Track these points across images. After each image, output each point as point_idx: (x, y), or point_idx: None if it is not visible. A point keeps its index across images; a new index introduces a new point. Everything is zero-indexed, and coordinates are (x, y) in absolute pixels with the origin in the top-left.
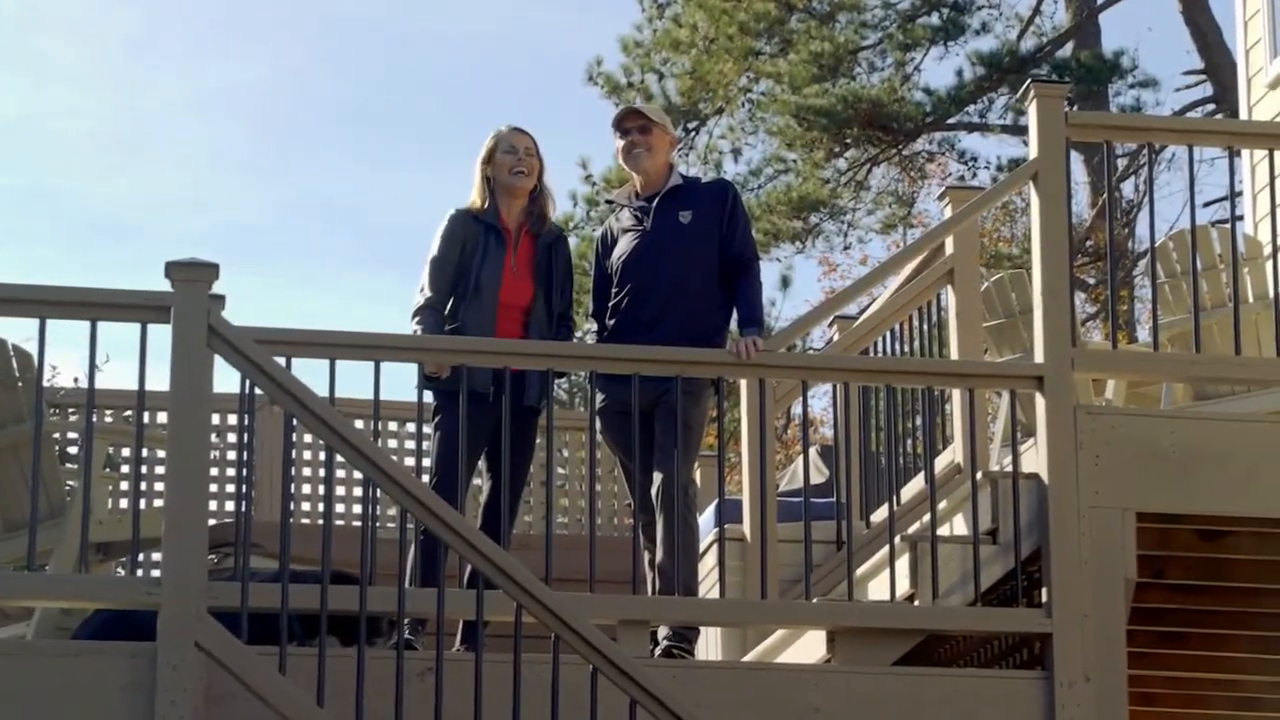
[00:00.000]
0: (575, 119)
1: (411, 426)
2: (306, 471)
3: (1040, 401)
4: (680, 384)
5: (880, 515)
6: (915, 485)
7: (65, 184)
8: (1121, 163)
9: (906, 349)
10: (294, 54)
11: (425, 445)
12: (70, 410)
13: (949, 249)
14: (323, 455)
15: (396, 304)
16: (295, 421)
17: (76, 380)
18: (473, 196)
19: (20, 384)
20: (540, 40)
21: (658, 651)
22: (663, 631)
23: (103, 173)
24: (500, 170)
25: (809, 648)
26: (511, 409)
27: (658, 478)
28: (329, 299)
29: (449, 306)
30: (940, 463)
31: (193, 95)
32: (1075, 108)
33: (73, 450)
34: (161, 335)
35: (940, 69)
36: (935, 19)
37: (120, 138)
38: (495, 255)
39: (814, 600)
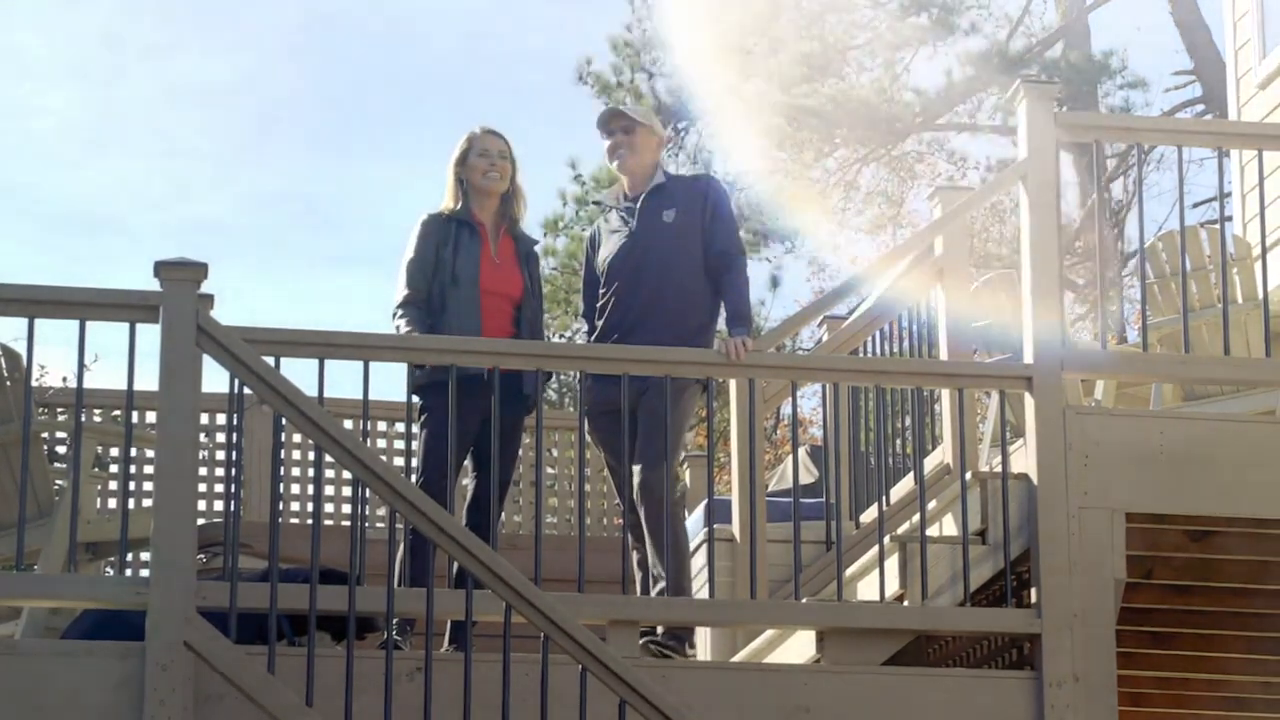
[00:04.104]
0: (565, 118)
1: (400, 426)
2: (295, 471)
3: (1029, 402)
4: (661, 382)
5: (870, 515)
6: (905, 485)
7: (35, 178)
8: (1111, 163)
9: (896, 349)
10: (269, 47)
11: (414, 445)
12: (59, 409)
13: (938, 249)
14: (312, 455)
15: (370, 302)
16: (284, 421)
17: (65, 380)
18: (445, 199)
19: (9, 383)
20: (527, 37)
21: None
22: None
23: (73, 166)
24: (473, 173)
25: (798, 648)
26: (501, 401)
27: (637, 474)
28: (300, 296)
29: (430, 300)
30: (929, 463)
31: (165, 88)
32: (1064, 108)
33: (61, 450)
34: (150, 335)
35: (930, 69)
36: (924, 19)
37: (92, 131)
38: (470, 247)
39: (803, 600)
